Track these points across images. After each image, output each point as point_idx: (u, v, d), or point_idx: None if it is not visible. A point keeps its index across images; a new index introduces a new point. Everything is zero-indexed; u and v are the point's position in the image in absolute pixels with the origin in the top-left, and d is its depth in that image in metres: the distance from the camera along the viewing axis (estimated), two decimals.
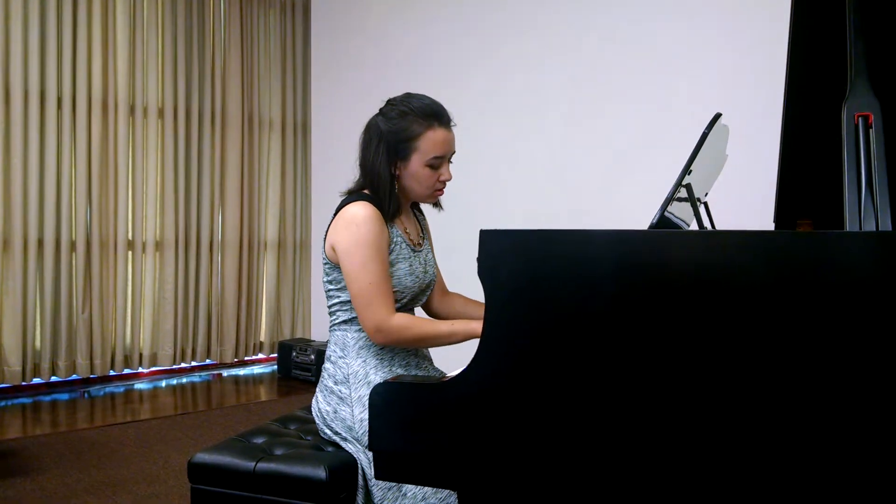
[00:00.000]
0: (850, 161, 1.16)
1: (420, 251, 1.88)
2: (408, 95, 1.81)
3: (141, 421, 3.82)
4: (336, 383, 1.80)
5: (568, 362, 1.15)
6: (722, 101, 2.78)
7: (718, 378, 1.08)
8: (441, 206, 1.93)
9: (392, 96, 1.86)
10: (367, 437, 1.69)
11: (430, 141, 1.76)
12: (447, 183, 1.84)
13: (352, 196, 1.80)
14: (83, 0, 4.47)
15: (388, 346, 1.79)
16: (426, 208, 2.01)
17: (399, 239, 1.82)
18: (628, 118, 3.61)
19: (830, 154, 1.49)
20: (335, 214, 1.79)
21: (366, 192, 1.81)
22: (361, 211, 1.72)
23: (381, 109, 1.82)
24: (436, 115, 1.77)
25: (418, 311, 1.99)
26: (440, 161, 1.79)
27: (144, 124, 4.81)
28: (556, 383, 1.15)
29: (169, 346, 4.92)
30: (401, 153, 1.77)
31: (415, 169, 1.78)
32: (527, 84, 4.08)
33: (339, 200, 1.85)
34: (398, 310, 1.77)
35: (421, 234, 1.93)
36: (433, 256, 1.97)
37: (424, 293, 1.90)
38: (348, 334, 1.80)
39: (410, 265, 1.82)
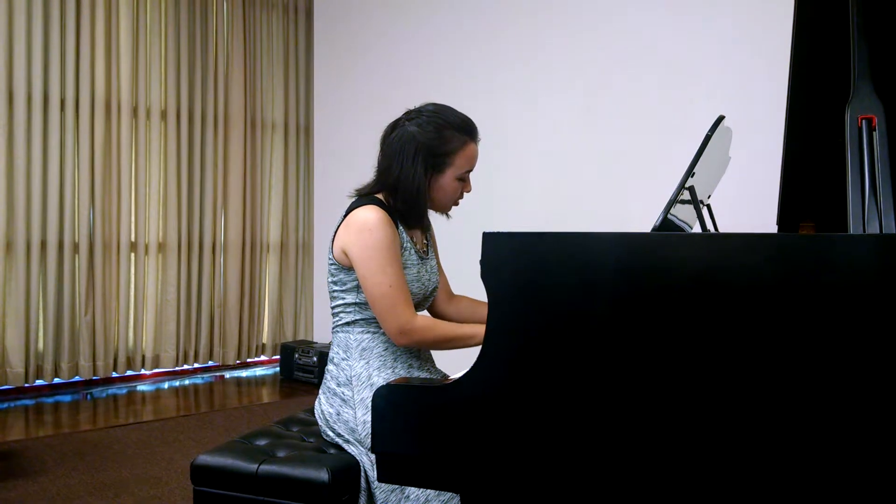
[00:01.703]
0: (854, 164, 1.16)
1: (426, 259, 1.89)
2: (438, 107, 1.81)
3: (143, 423, 3.82)
4: (339, 385, 1.80)
5: (571, 365, 1.14)
6: (725, 104, 2.78)
7: (723, 381, 1.08)
8: (449, 216, 1.94)
9: (401, 101, 1.86)
10: (369, 440, 1.69)
11: (465, 156, 1.80)
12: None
13: (362, 199, 1.80)
14: (86, 2, 4.48)
15: (391, 348, 1.79)
16: (432, 215, 2.02)
17: (408, 245, 1.82)
18: (631, 121, 3.61)
19: (834, 157, 1.49)
20: (345, 216, 1.79)
21: (378, 196, 1.81)
22: (373, 215, 1.72)
23: (410, 119, 1.80)
24: (470, 130, 1.81)
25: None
26: (468, 174, 1.84)
27: (147, 126, 4.82)
28: (560, 386, 1.15)
29: (171, 347, 4.93)
30: (437, 166, 1.78)
31: (446, 182, 1.80)
32: (529, 86, 4.08)
33: (341, 202, 1.85)
34: None
35: (426, 243, 1.94)
36: (436, 265, 1.98)
37: (427, 300, 1.91)
38: (351, 336, 1.80)
39: (418, 272, 1.83)
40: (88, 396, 4.44)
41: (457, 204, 1.88)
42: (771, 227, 2.08)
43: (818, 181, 1.87)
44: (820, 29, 1.69)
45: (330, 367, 1.85)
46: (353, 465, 1.72)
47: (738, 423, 1.07)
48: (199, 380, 4.97)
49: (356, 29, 5.13)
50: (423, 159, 1.76)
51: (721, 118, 1.60)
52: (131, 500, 2.71)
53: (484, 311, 2.01)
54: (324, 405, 1.83)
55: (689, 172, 1.44)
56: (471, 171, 1.84)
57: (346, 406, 1.77)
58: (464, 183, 1.84)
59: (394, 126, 1.82)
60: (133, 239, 4.80)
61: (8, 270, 4.30)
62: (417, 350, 1.85)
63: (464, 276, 2.22)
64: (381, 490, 1.69)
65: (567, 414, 1.15)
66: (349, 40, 5.19)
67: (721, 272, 1.08)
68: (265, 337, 5.50)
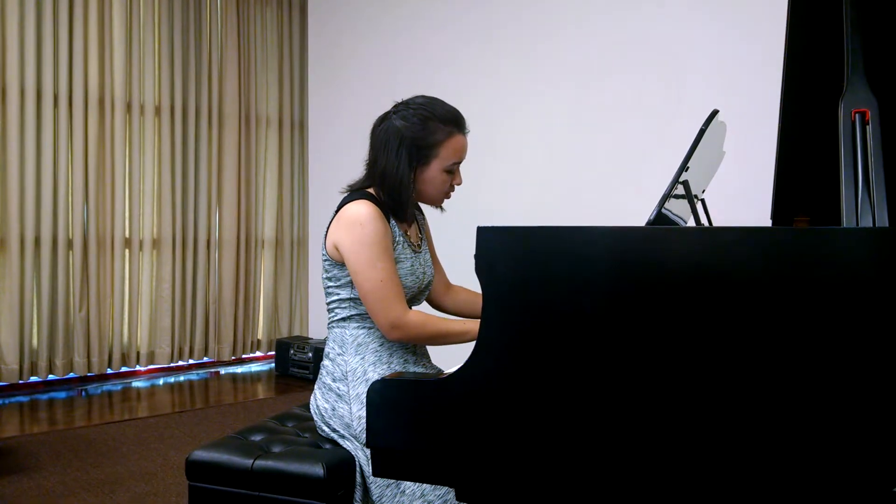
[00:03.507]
0: (847, 157, 1.16)
1: (420, 252, 1.89)
2: (426, 99, 1.81)
3: (138, 419, 3.82)
4: (334, 380, 1.80)
5: (565, 359, 1.14)
6: (719, 98, 2.79)
7: (715, 375, 1.08)
8: (443, 208, 1.93)
9: (395, 95, 1.86)
10: (364, 435, 1.70)
11: (451, 148, 1.79)
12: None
13: (353, 194, 1.80)
14: None
15: (387, 343, 1.79)
16: (425, 208, 2.01)
17: (401, 238, 1.82)
18: (626, 115, 3.61)
19: (827, 151, 1.49)
20: (336, 211, 1.79)
21: (369, 190, 1.81)
22: (364, 209, 1.72)
23: (396, 112, 1.80)
24: (456, 121, 1.80)
25: (425, 306, 2.00)
26: (456, 166, 1.82)
27: (141, 122, 4.81)
28: (554, 380, 1.15)
29: (166, 344, 4.92)
30: (422, 158, 1.77)
31: (433, 174, 1.79)
32: (525, 81, 4.07)
33: (336, 198, 1.85)
34: None
35: (419, 236, 1.94)
36: (430, 257, 1.97)
37: (423, 293, 1.91)
38: (346, 331, 1.80)
39: (412, 265, 1.83)
40: (83, 393, 4.43)
41: (448, 196, 1.87)
42: (765, 221, 2.09)
43: (812, 175, 1.88)
44: (814, 23, 1.69)
45: (325, 362, 1.85)
46: (349, 460, 1.72)
47: (732, 417, 1.07)
48: (194, 376, 4.96)
49: (350, 24, 5.12)
50: (408, 152, 1.76)
51: (715, 112, 1.60)
52: (126, 496, 2.71)
53: (478, 302, 2.02)
54: (319, 400, 1.83)
55: (684, 167, 1.44)
56: (459, 163, 1.82)
57: (341, 401, 1.77)
58: (452, 175, 1.83)
59: (382, 119, 1.82)
60: (127, 235, 4.78)
61: (1, 267, 4.28)
62: (413, 345, 1.85)
63: (458, 270, 2.22)
64: (377, 485, 1.69)
65: (562, 408, 1.15)
66: (343, 35, 5.18)
67: (715, 266, 1.08)
68: (260, 333, 5.50)
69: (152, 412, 3.98)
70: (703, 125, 1.54)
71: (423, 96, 1.82)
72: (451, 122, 1.78)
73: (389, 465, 1.29)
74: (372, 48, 4.94)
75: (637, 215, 1.91)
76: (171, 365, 5.00)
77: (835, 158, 1.20)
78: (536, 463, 1.17)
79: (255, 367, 5.30)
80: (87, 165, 4.55)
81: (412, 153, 1.76)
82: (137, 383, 4.71)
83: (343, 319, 1.81)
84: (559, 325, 1.15)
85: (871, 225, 1.10)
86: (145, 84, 4.80)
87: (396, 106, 1.82)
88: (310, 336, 5.48)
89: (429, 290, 1.93)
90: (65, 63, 4.44)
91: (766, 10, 2.95)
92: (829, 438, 1.03)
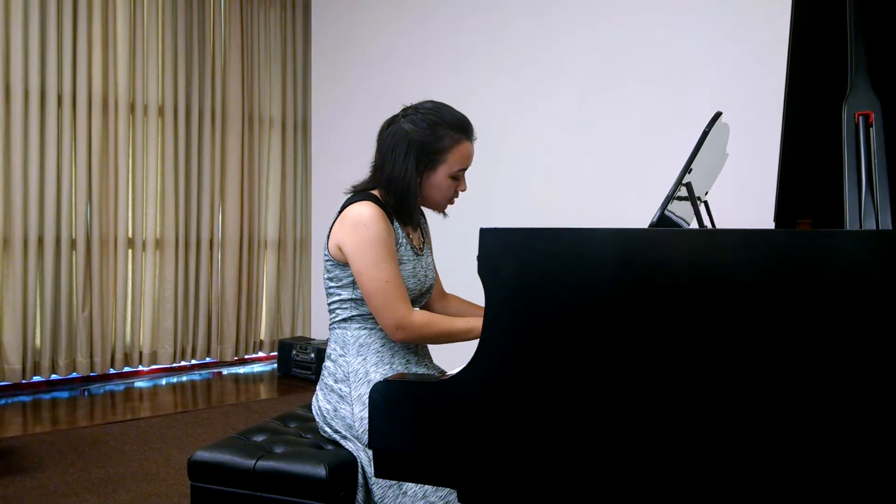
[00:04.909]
0: (851, 160, 1.16)
1: (422, 256, 1.89)
2: (434, 104, 1.81)
3: (141, 419, 3.82)
4: (336, 381, 1.80)
5: (568, 361, 1.14)
6: (722, 100, 2.79)
7: (718, 377, 1.08)
8: (446, 214, 1.94)
9: (398, 97, 1.86)
10: (367, 436, 1.70)
11: (458, 154, 1.79)
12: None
13: (357, 195, 1.80)
14: None
15: (388, 344, 1.79)
16: (427, 212, 2.01)
17: (404, 241, 1.82)
18: (628, 117, 3.61)
19: (831, 153, 1.49)
20: (340, 212, 1.80)
21: (373, 192, 1.81)
22: (367, 210, 1.72)
23: (405, 116, 1.80)
24: (465, 128, 1.80)
25: None
26: (462, 173, 1.83)
27: (145, 122, 4.81)
28: (556, 382, 1.15)
29: (169, 344, 4.93)
30: (429, 163, 1.78)
31: (439, 180, 1.80)
32: (527, 83, 4.07)
33: (339, 199, 1.85)
34: None
35: (422, 239, 1.94)
36: (432, 261, 1.98)
37: (424, 297, 1.91)
38: (348, 332, 1.81)
39: (414, 267, 1.83)
40: (86, 393, 4.44)
41: (452, 202, 1.88)
42: (768, 223, 2.08)
43: (815, 178, 1.88)
44: (817, 25, 1.69)
45: (327, 363, 1.85)
46: (351, 461, 1.73)
47: (735, 419, 1.07)
48: (196, 376, 4.97)
49: (354, 25, 5.12)
50: (416, 156, 1.76)
51: (718, 114, 1.60)
52: (128, 496, 2.71)
53: (472, 312, 2.03)
54: (321, 401, 1.84)
55: (687, 169, 1.44)
56: (465, 169, 1.83)
57: (343, 402, 1.77)
58: (458, 181, 1.83)
59: (390, 122, 1.83)
60: (130, 235, 4.79)
61: (5, 267, 4.29)
62: (415, 346, 1.85)
63: (459, 274, 2.22)
64: (379, 486, 1.69)
65: (564, 410, 1.15)
66: (347, 36, 5.18)
67: (718, 268, 1.08)
68: (263, 333, 5.51)
69: (155, 412, 3.99)
70: (707, 127, 1.54)
71: (431, 101, 1.83)
72: (460, 128, 1.79)
73: (392, 466, 1.29)
74: (375, 50, 4.94)
75: (640, 217, 1.91)
76: (174, 365, 5.01)
77: (838, 161, 1.19)
78: (539, 465, 1.17)
79: (257, 368, 5.31)
80: (90, 166, 4.55)
81: (420, 158, 1.77)
82: (140, 383, 4.71)
83: (345, 320, 1.81)
84: (561, 326, 1.15)
85: (874, 227, 1.10)
86: (149, 85, 4.81)
87: (405, 110, 1.82)
88: (312, 337, 5.49)
89: (430, 294, 1.94)
90: (68, 64, 4.45)
91: (769, 12, 2.95)
92: (832, 442, 1.03)
